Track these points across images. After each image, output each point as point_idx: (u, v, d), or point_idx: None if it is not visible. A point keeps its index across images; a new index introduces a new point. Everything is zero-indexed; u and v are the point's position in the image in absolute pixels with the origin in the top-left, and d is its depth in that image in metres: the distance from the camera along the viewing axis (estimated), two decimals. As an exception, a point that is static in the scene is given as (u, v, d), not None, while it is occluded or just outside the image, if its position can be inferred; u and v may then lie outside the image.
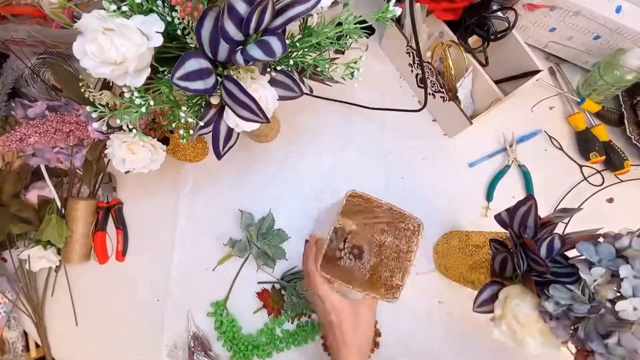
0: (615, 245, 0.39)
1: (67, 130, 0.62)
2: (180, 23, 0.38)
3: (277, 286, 0.69)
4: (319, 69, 0.47)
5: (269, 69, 0.45)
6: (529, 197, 0.46)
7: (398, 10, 0.44)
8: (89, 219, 0.70)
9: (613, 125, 0.72)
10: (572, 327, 0.41)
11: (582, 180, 0.71)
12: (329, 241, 0.53)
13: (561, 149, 0.73)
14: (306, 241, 0.59)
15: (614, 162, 0.70)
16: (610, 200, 0.71)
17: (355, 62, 0.46)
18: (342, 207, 0.52)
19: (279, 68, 0.45)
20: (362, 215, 0.61)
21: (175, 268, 0.71)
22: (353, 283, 0.52)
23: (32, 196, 0.69)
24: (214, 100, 0.42)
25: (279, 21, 0.38)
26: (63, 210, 0.69)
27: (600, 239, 0.42)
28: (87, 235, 0.70)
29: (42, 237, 0.66)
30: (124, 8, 0.35)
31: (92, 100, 0.48)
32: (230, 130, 0.45)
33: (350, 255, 0.64)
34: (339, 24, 0.44)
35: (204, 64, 0.39)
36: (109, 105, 0.46)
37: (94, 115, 0.44)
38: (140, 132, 0.50)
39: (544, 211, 0.48)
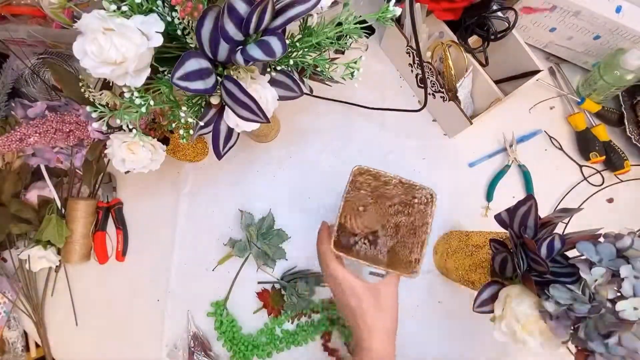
0: (617, 245, 0.39)
1: (67, 130, 0.62)
2: (180, 23, 0.38)
3: (277, 286, 0.69)
4: (319, 69, 0.47)
5: (269, 69, 0.45)
6: (529, 197, 0.46)
7: (398, 10, 0.44)
8: (89, 219, 0.70)
9: (613, 125, 0.72)
10: (573, 327, 0.41)
11: (582, 180, 0.71)
12: (339, 223, 0.50)
13: (561, 149, 0.73)
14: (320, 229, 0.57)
15: (614, 162, 0.70)
16: (610, 200, 0.71)
17: (355, 62, 0.46)
18: (348, 185, 0.50)
19: (279, 68, 0.45)
20: (373, 199, 0.61)
21: (175, 268, 0.71)
22: (371, 262, 0.50)
23: (32, 196, 0.69)
24: (214, 100, 0.42)
25: (279, 21, 0.38)
26: (63, 210, 0.69)
27: (601, 239, 0.42)
28: (87, 235, 0.70)
29: (42, 237, 0.66)
30: (124, 8, 0.35)
31: (92, 100, 0.48)
32: (230, 130, 0.45)
33: (365, 241, 0.63)
34: (339, 24, 0.44)
35: (204, 64, 0.39)
36: (109, 105, 0.46)
37: (94, 115, 0.44)
38: (140, 132, 0.50)
39: (544, 211, 0.48)
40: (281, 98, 0.46)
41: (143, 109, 0.41)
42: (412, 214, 0.58)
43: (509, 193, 0.71)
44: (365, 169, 0.51)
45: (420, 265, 0.49)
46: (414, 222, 0.57)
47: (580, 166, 0.72)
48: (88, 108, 0.44)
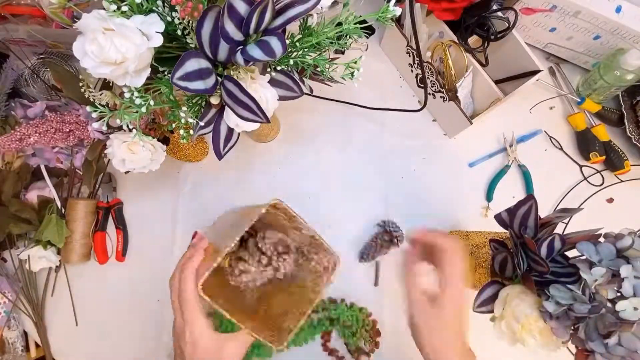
0: (617, 245, 0.39)
1: (67, 130, 0.62)
2: (180, 23, 0.38)
3: (277, 286, 0.69)
4: (319, 69, 0.47)
5: (269, 69, 0.45)
6: (530, 197, 0.46)
7: (398, 10, 0.45)
8: (89, 219, 0.70)
9: (613, 125, 0.72)
10: (573, 327, 0.41)
11: (582, 180, 0.71)
12: (227, 254, 0.41)
13: (561, 149, 0.73)
14: (195, 234, 0.47)
15: (614, 162, 0.70)
16: (610, 200, 0.71)
17: (355, 62, 0.46)
18: (259, 216, 0.42)
19: (279, 68, 0.45)
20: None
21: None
22: (236, 311, 0.40)
23: (32, 196, 0.69)
24: (214, 100, 0.42)
25: (279, 21, 0.38)
26: (63, 210, 0.69)
27: (601, 239, 0.42)
28: (87, 235, 0.70)
29: (42, 237, 0.66)
30: (124, 8, 0.35)
31: (92, 100, 0.48)
32: (230, 130, 0.45)
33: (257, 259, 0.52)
34: (339, 24, 0.44)
35: (204, 64, 0.39)
36: (109, 105, 0.46)
37: (94, 115, 0.44)
38: (140, 132, 0.50)
39: (544, 211, 0.48)
40: (281, 98, 0.46)
41: (143, 109, 0.41)
42: (307, 270, 0.50)
43: (509, 193, 0.71)
44: (284, 206, 0.44)
45: (289, 338, 0.43)
46: (305, 281, 0.49)
47: (580, 166, 0.72)
48: (88, 108, 0.44)
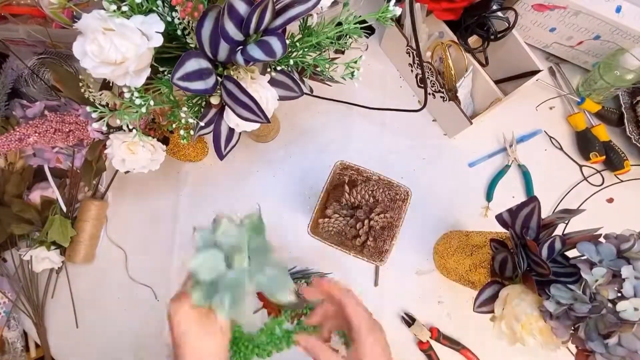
0: (621, 246, 0.39)
1: (67, 130, 0.62)
2: (180, 23, 0.38)
3: (277, 286, 0.69)
4: (319, 69, 0.47)
5: (269, 69, 0.45)
6: (533, 199, 0.46)
7: (398, 10, 0.44)
8: (100, 220, 0.70)
9: (613, 125, 0.72)
10: (573, 327, 0.41)
11: (582, 180, 0.71)
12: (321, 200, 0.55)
13: (561, 149, 0.73)
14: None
15: (614, 162, 0.70)
16: (610, 200, 0.71)
17: (355, 62, 0.46)
18: (329, 178, 0.56)
19: (279, 68, 0.45)
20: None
21: (175, 268, 0.71)
22: (343, 247, 0.57)
23: (35, 197, 0.69)
24: (214, 100, 0.42)
25: (279, 21, 0.38)
26: (65, 210, 0.69)
27: (601, 239, 0.42)
28: (96, 236, 0.70)
29: (47, 238, 0.66)
30: (124, 8, 0.35)
31: (92, 100, 0.48)
32: (231, 131, 0.45)
33: (350, 222, 0.65)
34: (339, 24, 0.44)
35: (204, 64, 0.39)
36: (109, 105, 0.46)
37: (94, 115, 0.44)
38: (140, 132, 0.50)
39: (544, 211, 0.48)
40: (281, 98, 0.46)
41: (143, 109, 0.41)
42: (393, 208, 0.63)
43: (509, 193, 0.71)
44: (348, 164, 0.57)
45: (388, 255, 0.56)
46: (392, 217, 0.62)
47: (580, 166, 0.72)
48: (88, 108, 0.44)
